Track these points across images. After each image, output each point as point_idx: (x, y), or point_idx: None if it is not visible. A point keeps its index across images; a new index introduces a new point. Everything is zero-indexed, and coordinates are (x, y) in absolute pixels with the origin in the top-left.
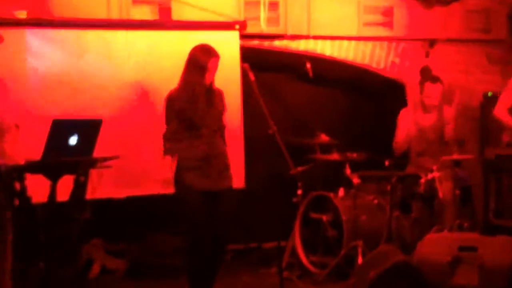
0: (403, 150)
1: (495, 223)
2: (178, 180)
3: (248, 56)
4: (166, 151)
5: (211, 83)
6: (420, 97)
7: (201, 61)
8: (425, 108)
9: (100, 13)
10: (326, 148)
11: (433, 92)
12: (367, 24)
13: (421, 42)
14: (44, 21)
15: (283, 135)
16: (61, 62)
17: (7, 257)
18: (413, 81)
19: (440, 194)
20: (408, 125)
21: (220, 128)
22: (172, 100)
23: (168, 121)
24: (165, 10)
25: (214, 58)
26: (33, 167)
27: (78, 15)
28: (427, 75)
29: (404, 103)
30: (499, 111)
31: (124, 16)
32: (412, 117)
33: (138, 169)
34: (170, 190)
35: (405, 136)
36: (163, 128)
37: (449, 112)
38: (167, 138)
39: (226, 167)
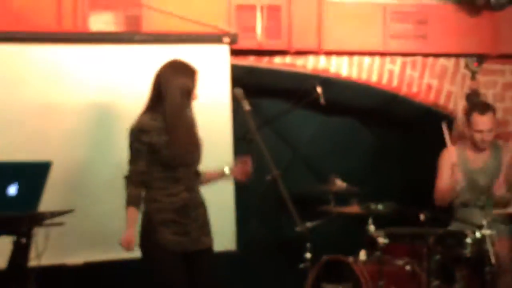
0: (447, 201)
1: None
2: (147, 240)
3: (241, 77)
4: (131, 200)
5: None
6: (467, 132)
7: (183, 82)
8: (475, 146)
9: (49, 24)
10: (342, 198)
11: (483, 124)
12: (395, 36)
13: (466, 58)
14: None
15: (287, 181)
16: None
17: None
18: (457, 110)
19: (493, 259)
20: (453, 167)
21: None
22: (141, 132)
23: (134, 159)
24: (133, 19)
25: (195, 75)
26: None
27: (20, 28)
28: (474, 103)
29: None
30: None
31: (80, 28)
32: (458, 158)
33: (99, 227)
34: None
35: (450, 183)
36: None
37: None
38: (132, 181)
39: (206, 221)
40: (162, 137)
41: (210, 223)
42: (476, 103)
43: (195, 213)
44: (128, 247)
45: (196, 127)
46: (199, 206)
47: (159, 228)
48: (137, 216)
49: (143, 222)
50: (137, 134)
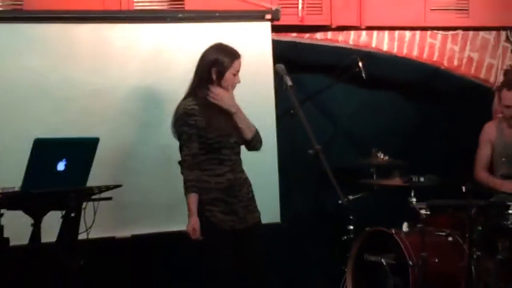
0: (486, 175)
1: None
2: (198, 217)
3: (284, 53)
4: (189, 186)
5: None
6: (499, 107)
7: (221, 65)
8: (508, 122)
9: (95, 4)
10: (385, 171)
11: (510, 100)
12: (436, 9)
13: (506, 31)
14: (18, 13)
15: (329, 155)
16: (43, 65)
17: None
18: (498, 83)
19: None
20: (491, 143)
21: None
22: (187, 115)
23: (185, 143)
24: None
25: (238, 60)
26: (10, 200)
27: (65, 7)
28: (506, 79)
29: (488, 112)
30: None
31: (125, 7)
32: (496, 132)
33: (145, 202)
34: None
35: (490, 157)
36: (175, 147)
37: None
38: (187, 165)
39: (252, 197)
40: (204, 120)
41: (255, 199)
42: (507, 79)
43: (240, 193)
44: (194, 234)
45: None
46: (244, 185)
47: (208, 207)
48: (197, 201)
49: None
50: (184, 117)
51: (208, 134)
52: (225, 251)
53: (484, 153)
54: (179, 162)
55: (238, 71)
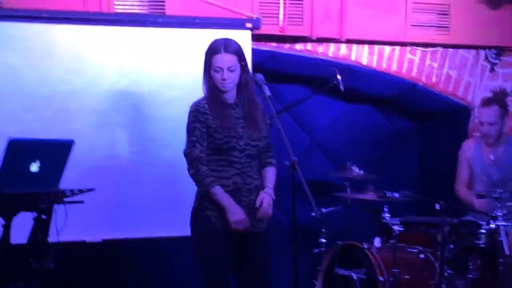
0: (466, 192)
1: None
2: (199, 217)
3: (263, 63)
4: (211, 181)
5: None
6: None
7: (205, 64)
8: (485, 140)
9: (75, 5)
10: (359, 185)
11: (485, 116)
12: (417, 25)
13: (485, 50)
14: None
15: (304, 166)
16: (20, 64)
17: None
18: (475, 101)
19: (506, 250)
20: (468, 161)
21: (258, 153)
22: (199, 112)
23: (196, 139)
24: (157, 2)
25: (217, 55)
26: None
27: (47, 6)
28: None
29: (464, 130)
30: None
31: (105, 9)
32: (475, 151)
33: (118, 206)
34: (161, 232)
35: (468, 174)
36: (149, 152)
37: None
38: (200, 161)
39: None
40: (215, 120)
41: None
42: (485, 97)
43: (246, 199)
44: (244, 225)
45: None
46: (253, 191)
47: (211, 209)
48: (224, 193)
49: (195, 204)
50: (196, 114)
51: (217, 134)
52: (222, 251)
53: (463, 170)
54: (190, 159)
55: (221, 68)
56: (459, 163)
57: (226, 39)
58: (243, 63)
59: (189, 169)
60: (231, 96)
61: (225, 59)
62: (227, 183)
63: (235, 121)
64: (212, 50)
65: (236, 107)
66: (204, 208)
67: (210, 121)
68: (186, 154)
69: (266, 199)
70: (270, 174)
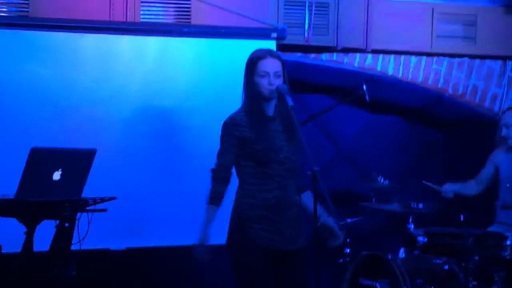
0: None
1: None
2: (238, 235)
3: (288, 73)
4: (213, 197)
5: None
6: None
7: (247, 69)
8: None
9: (101, 14)
10: (384, 196)
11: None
12: (443, 36)
13: None
14: (23, 19)
15: (329, 176)
16: (46, 73)
17: None
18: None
19: None
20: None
21: (299, 166)
22: (233, 125)
23: (221, 152)
24: (182, 12)
25: (263, 60)
26: (4, 208)
27: (72, 16)
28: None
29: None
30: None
31: (131, 19)
32: (503, 160)
33: (144, 213)
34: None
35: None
36: (175, 161)
37: None
38: (216, 176)
39: (300, 221)
40: (253, 132)
41: (302, 224)
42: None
43: (288, 212)
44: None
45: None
46: (293, 206)
47: (251, 224)
48: (215, 215)
49: (233, 217)
50: (229, 127)
51: (255, 145)
52: (260, 267)
53: (485, 169)
54: (211, 170)
55: (267, 72)
56: (484, 167)
57: (269, 49)
58: (285, 72)
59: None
60: (271, 106)
61: (272, 64)
62: (268, 196)
63: (274, 134)
64: (257, 56)
65: (275, 120)
66: (245, 225)
67: (247, 133)
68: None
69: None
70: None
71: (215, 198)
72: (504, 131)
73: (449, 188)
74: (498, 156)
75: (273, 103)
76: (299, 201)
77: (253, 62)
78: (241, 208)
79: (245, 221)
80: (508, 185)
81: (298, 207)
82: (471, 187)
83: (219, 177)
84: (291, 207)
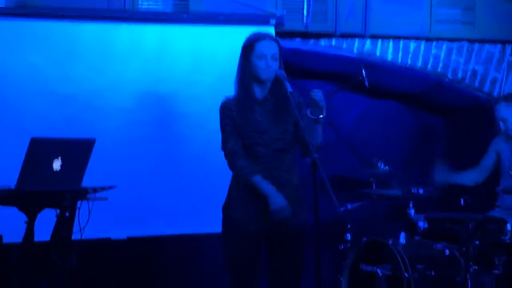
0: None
1: None
2: (226, 216)
3: (286, 59)
4: (250, 171)
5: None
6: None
7: (244, 49)
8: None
9: (98, 2)
10: (384, 181)
11: (504, 113)
12: (442, 20)
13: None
14: (21, 9)
15: (328, 163)
16: (44, 62)
17: None
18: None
19: None
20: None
21: (289, 147)
22: (226, 109)
23: (229, 135)
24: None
25: (262, 41)
26: (4, 197)
27: (69, 4)
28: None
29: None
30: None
31: (129, 7)
32: (505, 145)
33: (144, 202)
34: (186, 229)
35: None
36: (174, 149)
37: None
38: (238, 155)
39: (296, 200)
40: (240, 115)
41: (300, 203)
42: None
43: (280, 192)
44: (285, 213)
45: (281, 101)
46: (284, 186)
47: (238, 204)
48: (265, 181)
49: (226, 200)
50: (224, 111)
51: (241, 129)
52: (248, 254)
53: (487, 157)
54: (227, 154)
55: (265, 54)
56: (487, 153)
57: (267, 32)
58: (281, 57)
59: (228, 164)
60: (262, 90)
61: (270, 46)
62: None
63: (261, 117)
64: (255, 38)
65: (265, 103)
66: (233, 209)
67: (235, 117)
68: (223, 150)
69: None
70: None
71: (249, 173)
72: (502, 126)
73: (441, 177)
74: (500, 144)
75: (267, 86)
76: (293, 179)
77: (251, 43)
78: (230, 189)
79: (232, 202)
80: (511, 172)
81: (292, 188)
82: (470, 177)
83: (239, 155)
84: (281, 186)
